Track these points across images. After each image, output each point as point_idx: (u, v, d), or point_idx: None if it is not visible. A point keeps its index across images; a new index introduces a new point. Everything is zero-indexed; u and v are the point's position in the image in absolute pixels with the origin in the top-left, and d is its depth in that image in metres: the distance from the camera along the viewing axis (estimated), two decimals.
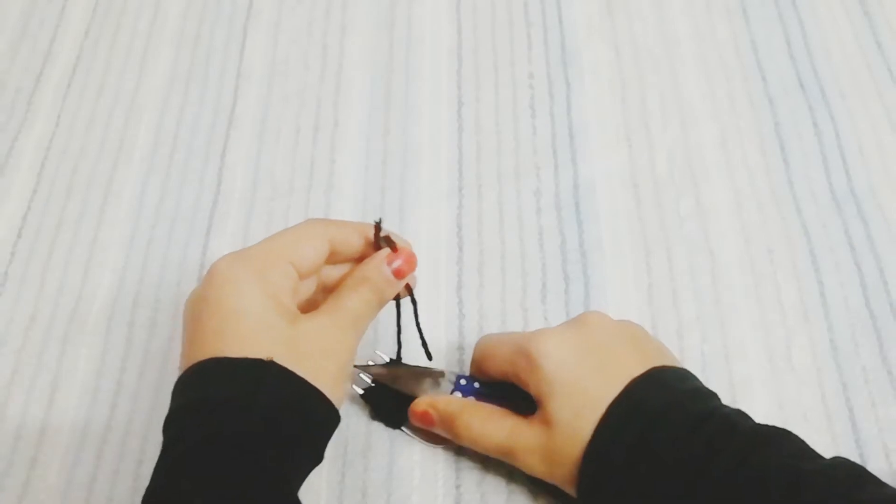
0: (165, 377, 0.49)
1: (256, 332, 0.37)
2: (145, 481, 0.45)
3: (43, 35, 0.64)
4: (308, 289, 0.43)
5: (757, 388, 0.47)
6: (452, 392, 0.45)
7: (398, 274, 0.42)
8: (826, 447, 0.45)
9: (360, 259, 0.43)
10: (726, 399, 0.47)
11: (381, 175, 0.56)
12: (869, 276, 0.50)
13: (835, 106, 0.57)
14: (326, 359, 0.39)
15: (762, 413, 0.46)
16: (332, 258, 0.43)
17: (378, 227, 0.42)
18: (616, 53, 0.61)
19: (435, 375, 0.46)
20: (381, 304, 0.42)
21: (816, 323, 0.49)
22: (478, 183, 0.55)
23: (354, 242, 0.42)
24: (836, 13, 0.62)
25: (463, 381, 0.45)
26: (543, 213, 0.54)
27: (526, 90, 0.59)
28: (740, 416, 0.38)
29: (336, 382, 0.39)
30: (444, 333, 0.50)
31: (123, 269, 0.53)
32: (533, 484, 0.43)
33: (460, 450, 0.45)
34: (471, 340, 0.49)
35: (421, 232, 0.54)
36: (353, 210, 0.55)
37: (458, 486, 0.44)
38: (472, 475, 0.45)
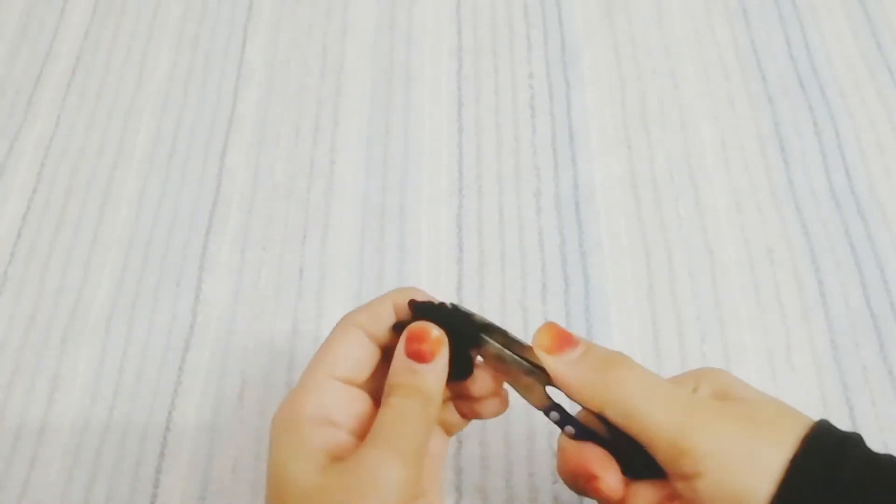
0: (164, 377, 0.49)
1: (273, 499, 0.33)
2: (144, 482, 0.46)
3: (43, 36, 0.65)
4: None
5: (757, 388, 0.47)
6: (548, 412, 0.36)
7: (418, 356, 0.34)
8: None
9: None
10: None
11: (381, 176, 0.56)
12: (869, 276, 0.50)
13: (835, 105, 0.57)
14: None
15: None
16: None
17: (412, 304, 0.36)
18: (616, 54, 0.61)
19: (537, 379, 0.36)
20: (429, 405, 0.34)
21: (816, 322, 0.49)
22: (478, 183, 0.55)
23: (392, 316, 0.37)
24: (836, 13, 0.62)
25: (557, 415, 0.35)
26: (543, 213, 0.54)
27: (526, 91, 0.59)
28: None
29: None
30: None
31: (123, 269, 0.53)
32: (532, 484, 0.43)
33: (460, 448, 0.45)
34: None
35: (421, 232, 0.54)
36: (353, 211, 0.55)
37: (457, 488, 0.44)
38: (472, 475, 0.45)
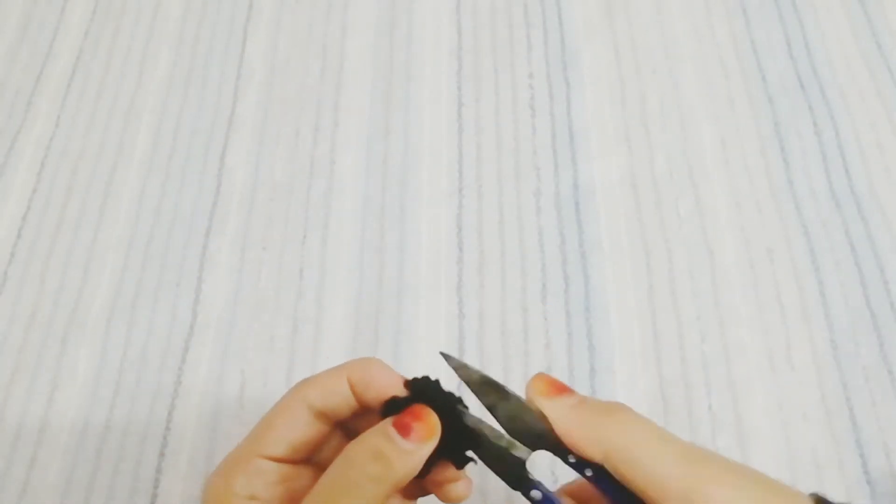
0: (164, 377, 0.49)
1: None
2: (144, 481, 0.46)
3: (43, 36, 0.65)
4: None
5: (757, 388, 0.47)
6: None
7: (405, 430, 0.31)
8: (826, 447, 0.45)
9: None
10: (726, 399, 0.47)
11: (381, 176, 0.56)
12: (869, 276, 0.50)
13: (835, 105, 0.57)
14: None
15: (762, 413, 0.46)
16: (345, 412, 0.34)
17: (411, 383, 0.33)
18: (616, 54, 0.61)
19: (525, 449, 0.33)
20: (388, 485, 0.31)
21: (816, 322, 0.49)
22: (478, 183, 0.55)
23: (345, 391, 0.34)
24: (836, 13, 0.62)
25: (572, 459, 0.32)
26: (543, 214, 0.54)
27: (526, 91, 0.59)
28: None
29: None
30: (444, 333, 0.50)
31: (123, 269, 0.53)
32: None
33: None
34: (471, 340, 0.49)
35: (421, 232, 0.54)
36: (353, 211, 0.55)
37: None
38: (471, 476, 0.45)
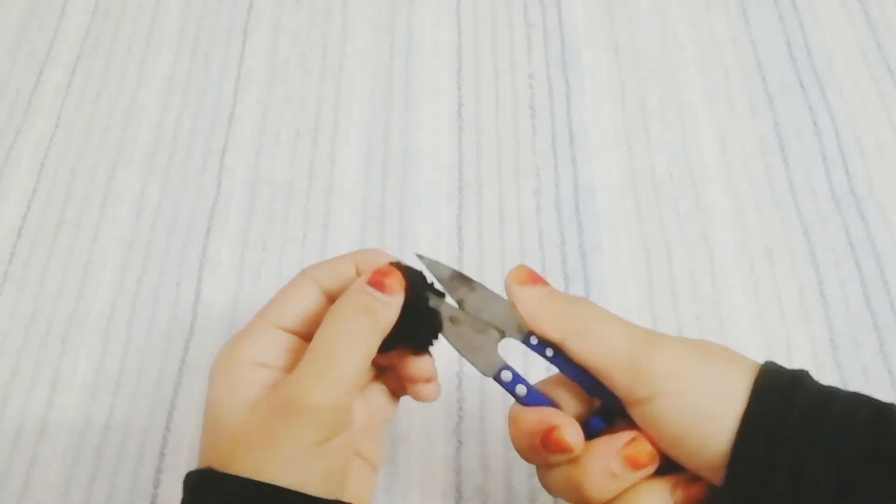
0: (164, 377, 0.49)
1: (208, 437, 0.33)
2: (145, 481, 0.46)
3: (43, 36, 0.65)
4: None
5: None
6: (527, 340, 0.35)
7: (380, 286, 0.34)
8: None
9: None
10: None
11: (381, 176, 0.56)
12: (869, 276, 0.50)
13: (834, 105, 0.57)
14: (275, 445, 0.31)
15: None
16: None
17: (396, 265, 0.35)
18: (616, 54, 0.61)
19: (494, 332, 0.36)
20: (375, 330, 0.33)
21: (816, 322, 0.49)
22: (478, 183, 0.55)
23: (352, 274, 0.36)
24: (836, 13, 0.62)
25: (534, 341, 0.35)
26: (543, 214, 0.54)
27: (526, 91, 0.59)
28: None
29: (311, 464, 0.31)
30: None
31: (123, 269, 0.53)
32: (532, 484, 0.43)
33: (460, 448, 0.45)
34: None
35: (421, 232, 0.54)
36: (353, 211, 0.55)
37: (458, 488, 0.44)
38: (472, 475, 0.45)
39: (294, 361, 0.33)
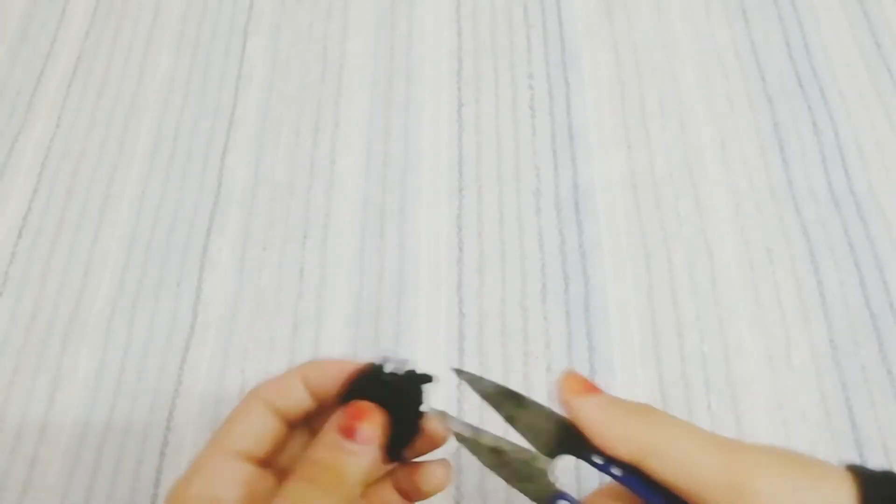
0: (164, 377, 0.49)
1: None
2: (145, 481, 0.46)
3: (43, 36, 0.65)
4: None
5: (756, 388, 0.47)
6: None
7: (350, 433, 0.31)
8: (826, 446, 0.45)
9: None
10: (726, 398, 0.47)
11: (381, 176, 0.56)
12: (868, 276, 0.50)
13: (834, 106, 0.57)
14: None
15: (761, 412, 0.46)
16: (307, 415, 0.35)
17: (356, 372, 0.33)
18: (615, 54, 0.61)
19: (539, 467, 0.33)
20: (343, 497, 0.31)
21: (816, 322, 0.49)
22: (478, 183, 0.56)
23: (301, 392, 0.34)
24: (835, 13, 0.62)
25: (598, 459, 0.32)
26: (543, 214, 0.54)
27: (526, 91, 0.59)
28: None
29: None
30: (444, 333, 0.50)
31: (123, 269, 0.53)
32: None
33: (460, 449, 0.45)
34: (471, 340, 0.49)
35: (421, 232, 0.54)
36: (353, 211, 0.55)
37: (457, 487, 0.44)
38: (472, 476, 0.45)
39: (247, 494, 0.32)
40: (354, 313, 0.51)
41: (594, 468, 0.31)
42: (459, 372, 0.34)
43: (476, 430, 0.33)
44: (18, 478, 0.46)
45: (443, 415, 0.33)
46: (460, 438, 0.33)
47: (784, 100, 0.58)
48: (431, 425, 0.33)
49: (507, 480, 0.33)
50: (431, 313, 0.50)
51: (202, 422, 0.48)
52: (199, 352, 0.50)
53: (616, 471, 0.31)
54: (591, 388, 0.32)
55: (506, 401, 0.33)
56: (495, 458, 0.33)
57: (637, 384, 0.48)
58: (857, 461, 0.44)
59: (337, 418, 0.31)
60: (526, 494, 0.32)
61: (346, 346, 0.50)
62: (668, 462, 0.30)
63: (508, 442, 0.33)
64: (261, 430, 0.33)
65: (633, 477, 0.31)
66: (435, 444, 0.34)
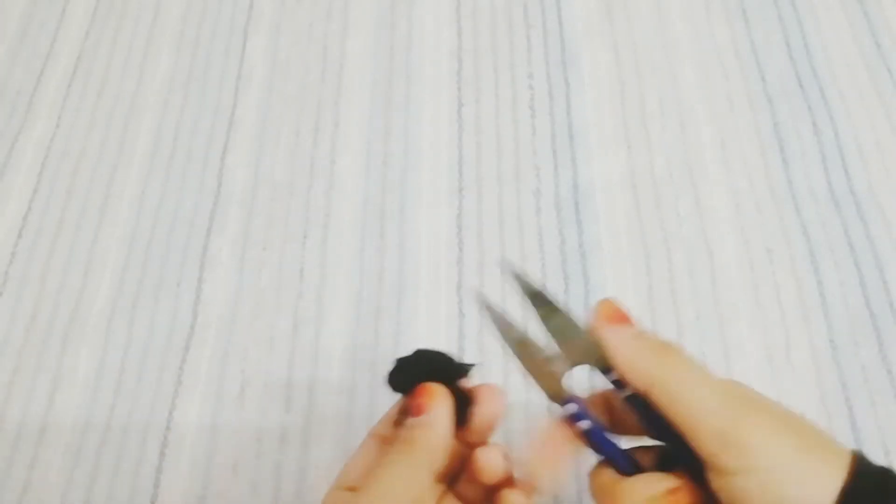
0: (164, 377, 0.49)
1: None
2: (145, 481, 0.46)
3: (43, 37, 0.65)
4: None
5: (756, 388, 0.47)
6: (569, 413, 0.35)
7: (411, 411, 0.35)
8: None
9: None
10: None
11: (381, 176, 0.56)
12: (868, 276, 0.50)
13: (834, 106, 0.57)
14: None
15: None
16: None
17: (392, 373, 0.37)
18: (615, 54, 0.61)
19: (565, 360, 0.35)
20: (423, 458, 0.34)
21: (816, 322, 0.49)
22: (478, 183, 0.55)
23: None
24: (835, 14, 0.62)
25: (612, 376, 0.34)
26: (543, 214, 0.54)
27: (526, 91, 0.59)
28: None
29: None
30: (444, 333, 0.50)
31: (124, 269, 0.53)
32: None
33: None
34: (471, 340, 0.49)
35: (421, 232, 0.54)
36: (353, 211, 0.55)
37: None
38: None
39: None
40: (354, 313, 0.51)
41: (609, 382, 0.34)
42: (508, 264, 0.37)
43: (509, 322, 0.36)
44: (18, 478, 0.46)
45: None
46: (496, 323, 0.36)
47: (784, 100, 0.58)
48: (483, 393, 0.36)
49: (527, 371, 0.35)
50: (431, 313, 0.50)
51: (202, 422, 0.48)
52: (199, 352, 0.50)
53: (625, 391, 0.33)
54: (622, 317, 0.34)
55: (541, 303, 0.36)
56: (521, 349, 0.35)
57: None
58: None
59: (399, 409, 0.35)
60: (541, 389, 0.35)
61: (346, 346, 0.50)
62: (671, 398, 0.31)
63: (536, 339, 0.35)
64: (368, 461, 0.36)
65: (639, 401, 0.33)
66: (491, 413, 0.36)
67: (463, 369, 0.36)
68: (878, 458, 0.44)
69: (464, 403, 0.35)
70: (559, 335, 0.35)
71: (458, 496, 0.36)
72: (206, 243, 0.54)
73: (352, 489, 0.34)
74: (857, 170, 0.54)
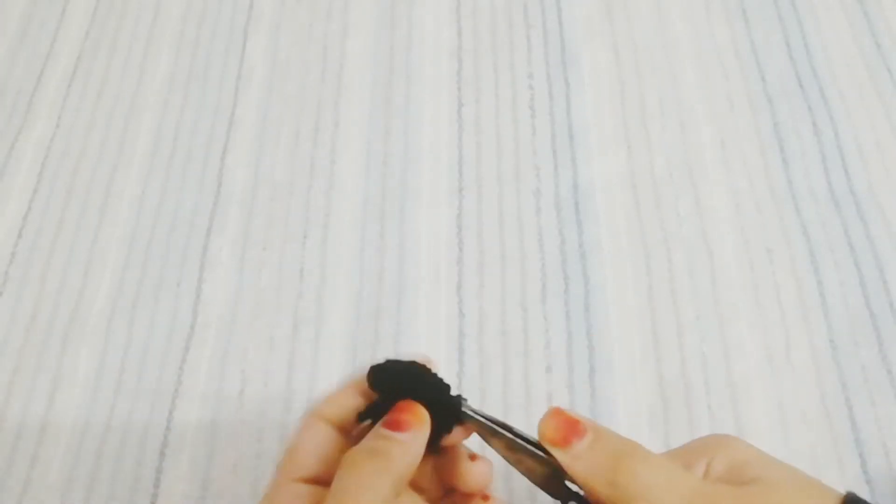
0: (164, 377, 0.49)
1: None
2: (145, 481, 0.46)
3: (43, 37, 0.65)
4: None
5: (756, 388, 0.47)
6: None
7: (396, 425, 0.33)
8: (826, 447, 0.45)
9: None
10: (725, 398, 0.47)
11: (381, 176, 0.56)
12: (868, 276, 0.50)
13: (834, 106, 0.57)
14: None
15: (761, 412, 0.46)
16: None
17: (370, 375, 0.35)
18: (615, 54, 0.61)
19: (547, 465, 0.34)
20: (392, 475, 0.32)
21: (816, 322, 0.49)
22: (478, 183, 0.56)
23: (360, 403, 0.35)
24: (835, 14, 0.62)
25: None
26: (543, 214, 0.54)
27: (526, 91, 0.59)
28: None
29: None
30: (444, 333, 0.50)
31: (124, 269, 0.53)
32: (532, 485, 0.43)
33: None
34: (471, 340, 0.49)
35: (421, 232, 0.54)
36: (353, 211, 0.55)
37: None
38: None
39: None
40: (354, 313, 0.51)
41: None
42: (464, 403, 0.35)
43: (495, 428, 0.34)
44: (18, 477, 0.46)
45: (467, 407, 0.34)
46: (481, 433, 0.34)
47: (784, 100, 0.58)
48: (465, 422, 0.35)
49: (524, 475, 0.34)
50: (431, 313, 0.50)
51: (202, 422, 0.48)
52: (199, 352, 0.50)
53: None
54: (567, 437, 0.32)
55: (499, 435, 0.34)
56: (511, 455, 0.34)
57: (637, 384, 0.48)
58: (857, 461, 0.44)
59: (382, 422, 0.33)
60: (540, 488, 0.34)
61: (346, 346, 0.50)
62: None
63: (523, 444, 0.34)
64: (323, 450, 0.34)
65: None
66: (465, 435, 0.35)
67: (454, 408, 0.34)
68: (878, 458, 0.44)
69: (440, 431, 0.34)
70: (523, 465, 0.34)
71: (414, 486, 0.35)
72: (206, 243, 0.54)
73: (307, 481, 0.33)
74: (857, 170, 0.54)
